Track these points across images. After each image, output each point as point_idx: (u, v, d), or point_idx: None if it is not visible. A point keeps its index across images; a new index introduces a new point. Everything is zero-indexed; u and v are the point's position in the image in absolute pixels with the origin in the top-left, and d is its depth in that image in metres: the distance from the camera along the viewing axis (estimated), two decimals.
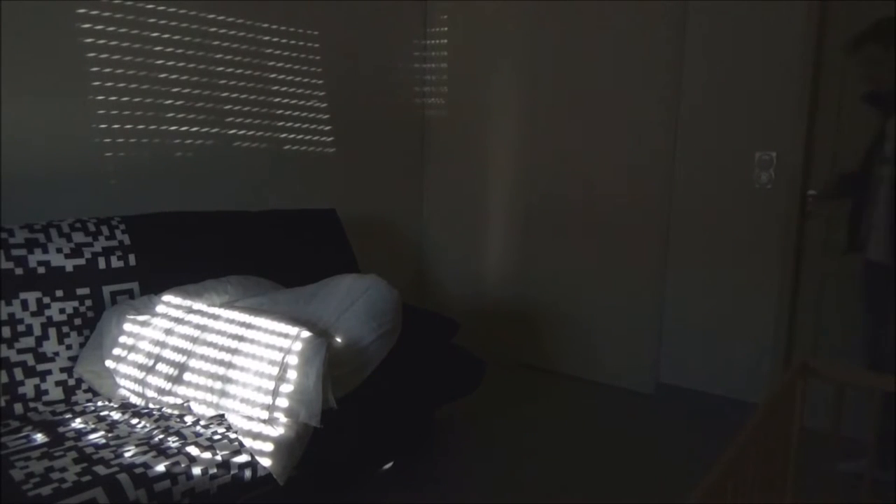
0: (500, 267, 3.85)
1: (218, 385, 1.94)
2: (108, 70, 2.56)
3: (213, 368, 1.97)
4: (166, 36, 2.72)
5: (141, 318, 2.15)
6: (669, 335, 3.28)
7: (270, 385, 1.88)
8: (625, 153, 3.31)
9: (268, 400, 1.87)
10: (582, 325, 3.55)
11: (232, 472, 1.75)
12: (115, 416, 1.96)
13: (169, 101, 2.78)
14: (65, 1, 2.41)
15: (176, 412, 2.00)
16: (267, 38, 3.09)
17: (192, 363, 2.00)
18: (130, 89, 2.64)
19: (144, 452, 1.71)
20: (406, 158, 3.96)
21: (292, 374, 1.89)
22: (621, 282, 3.38)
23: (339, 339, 2.09)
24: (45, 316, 2.09)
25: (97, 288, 2.23)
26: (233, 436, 1.86)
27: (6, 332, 2.00)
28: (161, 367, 2.03)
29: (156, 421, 1.93)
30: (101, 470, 1.60)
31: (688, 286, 3.20)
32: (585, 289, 3.51)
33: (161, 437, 1.82)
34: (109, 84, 2.58)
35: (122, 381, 2.07)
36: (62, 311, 2.13)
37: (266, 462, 1.79)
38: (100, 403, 2.06)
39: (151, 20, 2.67)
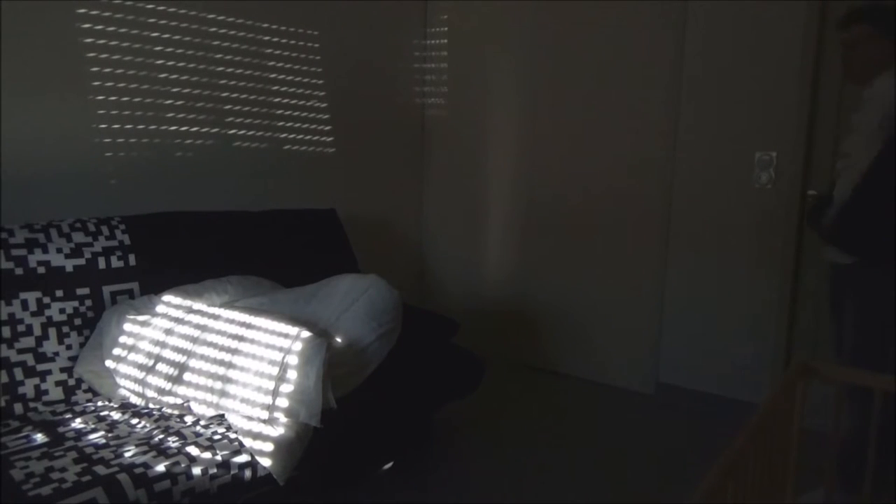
0: (500, 267, 3.85)
1: (218, 385, 1.94)
2: (108, 70, 2.56)
3: (213, 368, 1.97)
4: (166, 36, 2.72)
5: (141, 318, 2.15)
6: (669, 335, 3.28)
7: (270, 385, 1.88)
8: (625, 153, 3.31)
9: (268, 400, 1.87)
10: (582, 325, 3.55)
11: (232, 472, 1.75)
12: (115, 416, 1.96)
13: (169, 101, 2.78)
14: (65, 1, 2.41)
15: (176, 412, 2.00)
16: (267, 38, 3.09)
17: (192, 363, 2.00)
18: (130, 89, 2.64)
19: (144, 452, 1.71)
20: (406, 158, 3.96)
21: (292, 374, 1.89)
22: (621, 282, 3.38)
23: (339, 339, 2.09)
24: (45, 316, 2.09)
25: (97, 288, 2.23)
26: (233, 436, 1.86)
27: (6, 332, 2.00)
28: (161, 367, 2.03)
29: (156, 421, 1.93)
30: (101, 470, 1.60)
31: (688, 286, 3.20)
32: (585, 289, 3.51)
33: (161, 437, 1.82)
34: (109, 84, 2.58)
35: (122, 381, 2.07)
36: (62, 311, 2.13)
37: (266, 462, 1.79)
38: (100, 403, 2.06)
39: (151, 20, 2.67)
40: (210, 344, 2.02)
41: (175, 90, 2.79)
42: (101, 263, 2.26)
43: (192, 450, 1.75)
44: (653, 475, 2.53)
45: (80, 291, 2.19)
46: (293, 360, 1.91)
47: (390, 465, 2.54)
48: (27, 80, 2.35)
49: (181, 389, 1.98)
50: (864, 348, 2.09)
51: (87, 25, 2.48)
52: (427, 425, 2.79)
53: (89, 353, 2.12)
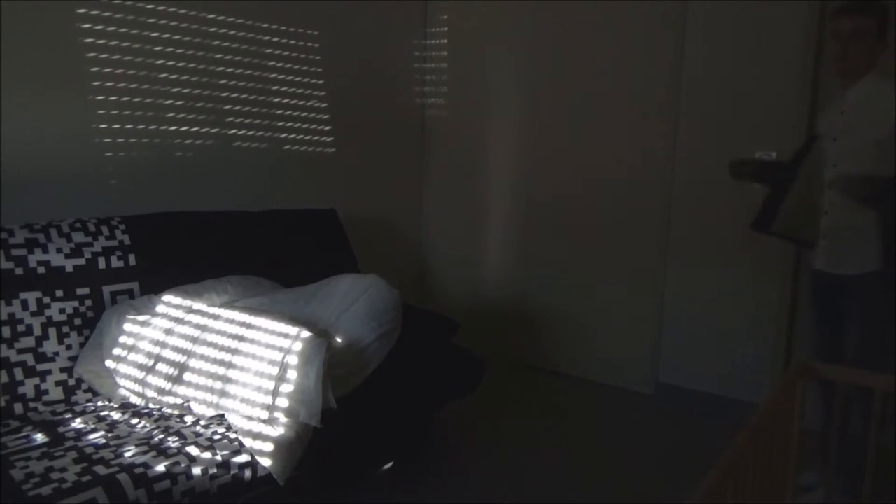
0: (500, 267, 3.85)
1: (218, 385, 1.94)
2: (108, 70, 2.56)
3: (213, 368, 1.97)
4: (166, 36, 2.72)
5: (141, 318, 2.15)
6: (669, 335, 3.28)
7: (270, 385, 1.88)
8: (625, 153, 3.31)
9: (268, 400, 1.87)
10: (582, 325, 3.55)
11: (232, 472, 1.75)
12: (115, 416, 1.96)
13: (169, 101, 2.77)
14: (65, 1, 2.41)
15: (176, 412, 2.00)
16: (267, 38, 3.09)
17: (192, 363, 2.00)
18: (130, 89, 2.64)
19: (144, 452, 1.71)
20: (406, 158, 3.96)
21: (292, 374, 1.89)
22: (621, 282, 3.38)
23: (339, 339, 2.09)
24: (45, 316, 2.09)
25: (97, 288, 2.23)
26: (233, 436, 1.86)
27: (6, 332, 2.00)
28: (161, 367, 2.03)
29: (156, 421, 1.93)
30: (101, 470, 1.60)
31: (688, 286, 3.20)
32: (585, 288, 3.51)
33: (161, 437, 1.82)
34: (109, 84, 2.58)
35: (122, 381, 2.07)
36: (62, 311, 2.13)
37: (266, 462, 1.79)
38: (100, 403, 2.06)
39: (151, 20, 2.67)
40: (210, 344, 2.02)
41: (175, 90, 2.79)
42: (101, 263, 2.26)
43: (192, 450, 1.75)
44: (653, 475, 2.53)
45: (80, 291, 2.19)
46: (293, 360, 1.91)
47: (390, 465, 2.54)
48: (27, 80, 2.35)
49: (181, 389, 1.98)
50: (871, 354, 2.08)
51: (87, 25, 2.48)
52: (427, 425, 2.79)
53: (89, 353, 2.12)
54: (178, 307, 2.19)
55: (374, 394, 2.17)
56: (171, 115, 2.79)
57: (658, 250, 3.26)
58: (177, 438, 1.81)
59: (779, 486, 1.69)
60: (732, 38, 2.96)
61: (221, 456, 1.76)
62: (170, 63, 2.75)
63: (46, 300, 2.10)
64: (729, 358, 3.11)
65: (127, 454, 1.69)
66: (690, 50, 3.08)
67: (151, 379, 2.02)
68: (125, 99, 2.63)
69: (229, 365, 1.96)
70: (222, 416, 1.96)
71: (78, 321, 2.16)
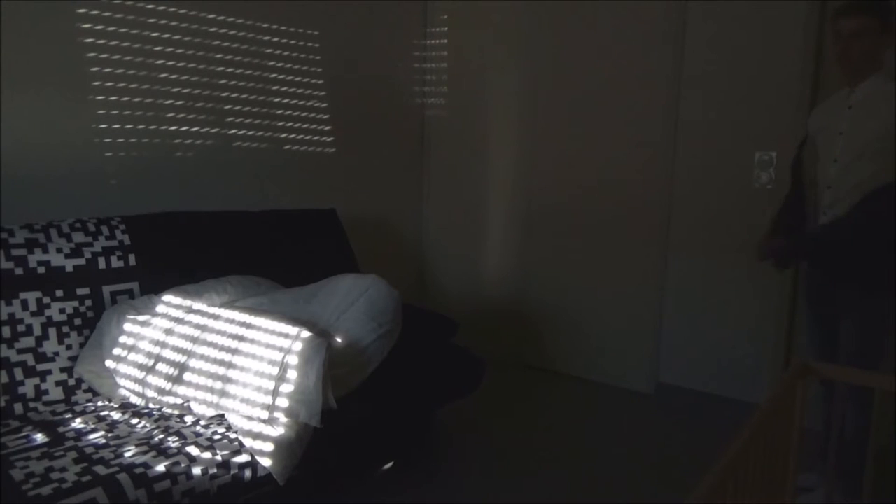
0: (500, 267, 3.85)
1: (218, 385, 1.94)
2: (108, 70, 2.56)
3: (214, 368, 1.97)
4: (166, 36, 2.72)
5: (141, 318, 2.15)
6: (669, 335, 3.28)
7: (270, 385, 1.88)
8: (625, 153, 3.31)
9: (268, 400, 1.87)
10: (582, 325, 3.55)
11: (232, 472, 1.75)
12: (115, 416, 1.96)
13: (169, 101, 2.78)
14: (65, 1, 2.41)
15: (176, 412, 2.00)
16: (267, 38, 3.09)
17: (192, 363, 2.00)
18: (130, 89, 2.64)
19: (144, 452, 1.71)
20: (406, 159, 3.96)
21: (292, 374, 1.89)
22: (621, 282, 3.38)
23: (339, 339, 2.09)
24: (45, 316, 2.09)
25: (97, 288, 2.23)
26: (233, 436, 1.86)
27: (6, 332, 2.00)
28: (161, 367, 2.03)
29: (156, 421, 1.93)
30: (101, 470, 1.60)
31: (688, 286, 3.20)
32: (585, 289, 3.51)
33: (161, 437, 1.82)
34: (109, 84, 2.58)
35: (122, 381, 2.07)
36: (62, 311, 2.13)
37: (266, 462, 1.79)
38: (100, 403, 2.06)
39: (151, 20, 2.67)
40: (210, 344, 2.02)
41: (175, 90, 2.79)
42: (101, 263, 2.26)
43: (192, 450, 1.75)
44: (653, 475, 2.53)
45: (80, 291, 2.19)
46: (293, 360, 1.91)
47: (390, 465, 2.54)
48: (27, 80, 2.35)
49: (181, 389, 1.98)
50: (864, 353, 2.08)
51: (87, 25, 2.48)
52: (427, 425, 2.79)
53: (89, 353, 2.12)
54: (178, 307, 2.19)
55: (374, 394, 2.17)
56: (171, 115, 2.79)
57: (658, 250, 3.26)
58: (177, 438, 1.81)
59: (779, 486, 1.69)
60: (732, 38, 2.96)
61: (221, 456, 1.76)
62: (170, 63, 2.75)
63: (46, 300, 2.10)
64: (729, 358, 3.11)
65: (127, 454, 1.69)
66: (690, 50, 3.08)
67: (151, 379, 2.02)
68: (125, 99, 2.63)
69: (229, 365, 1.96)
70: (222, 416, 1.96)
71: (78, 321, 2.16)
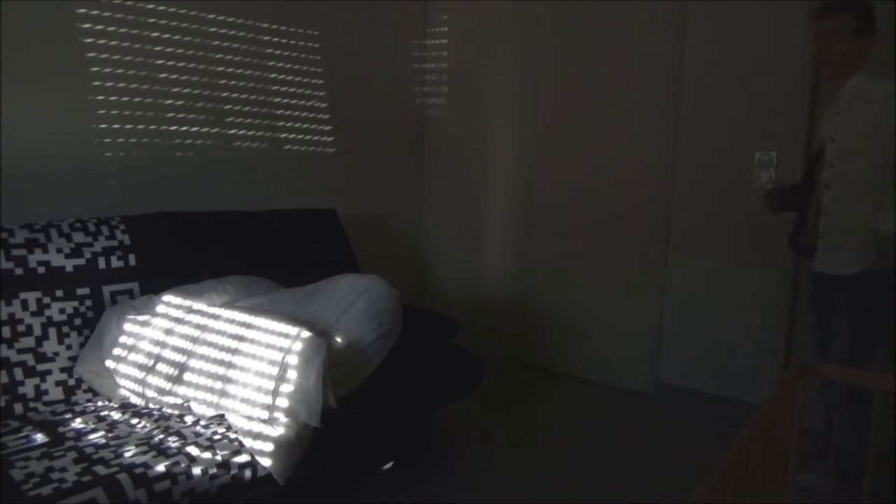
0: (500, 267, 3.85)
1: (218, 385, 1.94)
2: (108, 70, 2.56)
3: (214, 368, 1.97)
4: (166, 36, 2.72)
5: (141, 318, 2.15)
6: (669, 335, 3.28)
7: (270, 385, 1.88)
8: (625, 153, 3.31)
9: (268, 400, 1.87)
10: (582, 325, 3.55)
11: (232, 472, 1.75)
12: (115, 416, 1.96)
13: (169, 101, 2.78)
14: (65, 1, 2.41)
15: (176, 412, 2.00)
16: (267, 38, 3.09)
17: (193, 363, 2.00)
18: (130, 89, 2.64)
19: (144, 452, 1.71)
20: (406, 158, 3.96)
21: (292, 374, 1.89)
22: (621, 282, 3.38)
23: (339, 339, 2.09)
24: (45, 316, 2.09)
25: (97, 288, 2.23)
26: (233, 436, 1.86)
27: (6, 332, 2.00)
28: (161, 367, 2.03)
29: (156, 421, 1.93)
30: (101, 470, 1.60)
31: (688, 286, 3.20)
32: (585, 289, 3.51)
33: (161, 437, 1.82)
34: (109, 84, 2.58)
35: (122, 381, 2.07)
36: (62, 311, 2.13)
37: (266, 462, 1.79)
38: (100, 403, 2.06)
39: (151, 20, 2.67)
40: (210, 344, 2.02)
41: (175, 90, 2.79)
42: (101, 263, 2.26)
43: (192, 450, 1.75)
44: (653, 475, 2.53)
45: (80, 291, 2.19)
46: (293, 360, 1.91)
47: (390, 465, 2.54)
48: (27, 79, 2.35)
49: (181, 389, 1.98)
50: (857, 352, 2.08)
51: (87, 25, 2.48)
52: (427, 425, 2.80)
53: (89, 353, 2.12)
54: (178, 307, 2.20)
55: (374, 394, 2.17)
56: (171, 115, 2.79)
57: (658, 250, 3.26)
58: (177, 438, 1.81)
59: (779, 486, 1.69)
60: (732, 38, 2.96)
61: (221, 456, 1.76)
62: (170, 63, 2.75)
63: (46, 300, 2.10)
64: (729, 358, 3.11)
65: (127, 454, 1.69)
66: (690, 50, 3.08)
67: (151, 379, 2.02)
68: (125, 99, 2.63)
69: (229, 365, 1.96)
70: (222, 416, 1.96)
71: (78, 321, 2.16)
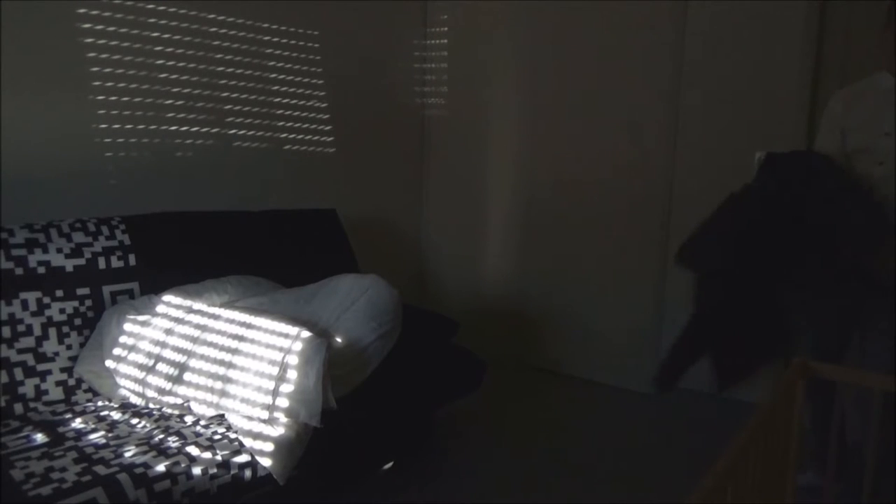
0: (500, 267, 3.85)
1: (218, 385, 1.94)
2: (108, 70, 2.56)
3: (214, 368, 1.97)
4: (166, 36, 2.72)
5: (141, 318, 2.15)
6: (669, 335, 3.27)
7: (270, 385, 1.88)
8: (625, 153, 3.30)
9: (268, 400, 1.87)
10: (582, 325, 3.55)
11: (232, 472, 1.75)
12: (115, 416, 1.96)
13: (169, 101, 2.77)
14: (65, 1, 2.41)
15: (176, 412, 2.00)
16: (267, 38, 3.09)
17: (193, 363, 2.00)
18: (130, 89, 2.64)
19: (144, 452, 1.71)
20: (406, 159, 3.96)
21: (292, 374, 1.89)
22: (621, 282, 3.38)
23: (339, 339, 2.09)
24: (45, 316, 2.09)
25: (97, 288, 2.23)
26: (233, 436, 1.86)
27: (6, 332, 2.00)
28: (161, 367, 2.03)
29: (156, 421, 1.93)
30: (101, 470, 1.60)
31: (688, 286, 3.19)
32: (585, 289, 3.51)
33: (161, 437, 1.82)
34: (109, 84, 2.58)
35: (122, 381, 2.07)
36: (62, 311, 2.13)
37: (266, 462, 1.79)
38: (100, 403, 2.06)
39: (151, 20, 2.67)
40: (210, 344, 2.02)
41: (175, 90, 2.79)
42: (101, 263, 2.26)
43: (192, 450, 1.75)
44: (653, 475, 2.53)
45: (80, 291, 2.19)
46: (293, 360, 1.91)
47: (390, 465, 2.54)
48: (27, 79, 2.35)
49: (181, 389, 1.98)
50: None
51: (87, 25, 2.48)
52: (428, 425, 2.79)
53: (89, 353, 2.12)
54: (178, 307, 2.20)
55: (374, 394, 2.17)
56: (171, 115, 2.79)
57: (658, 250, 3.26)
58: (177, 438, 1.81)
59: (779, 486, 1.69)
60: (732, 38, 2.96)
61: (221, 456, 1.76)
62: (170, 63, 2.75)
63: (46, 300, 2.10)
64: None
65: (127, 454, 1.69)
66: (690, 50, 3.08)
67: (151, 379, 2.02)
68: (125, 99, 2.63)
69: (229, 365, 1.96)
70: (222, 416, 1.96)
71: (78, 321, 2.16)
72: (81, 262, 2.21)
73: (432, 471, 2.53)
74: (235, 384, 1.92)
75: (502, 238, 3.82)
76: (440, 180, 4.01)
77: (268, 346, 1.96)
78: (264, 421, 1.88)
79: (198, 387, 1.96)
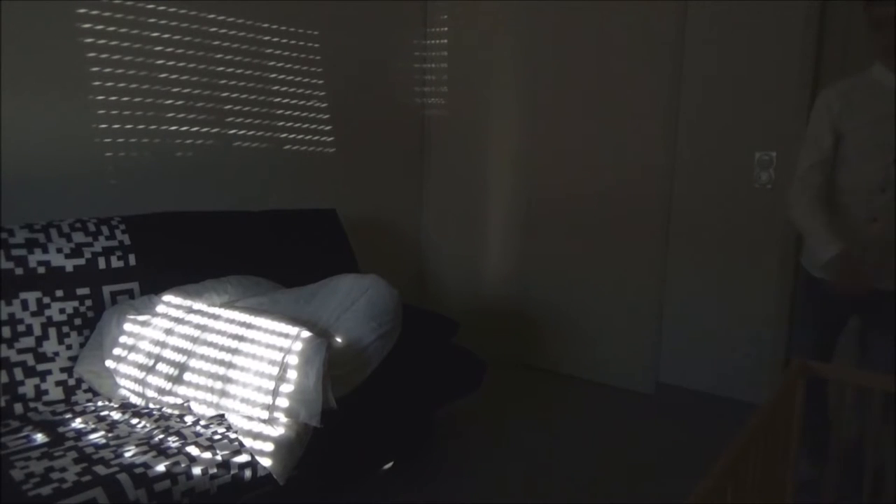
0: (500, 267, 3.85)
1: (218, 385, 1.94)
2: (108, 70, 2.56)
3: (214, 368, 1.97)
4: (166, 36, 2.72)
5: (141, 318, 2.15)
6: (669, 335, 3.28)
7: (270, 385, 1.88)
8: (625, 153, 3.31)
9: (268, 400, 1.87)
10: (582, 325, 3.55)
11: (232, 472, 1.75)
12: (115, 416, 1.96)
13: (169, 101, 2.77)
14: (65, 1, 2.41)
15: (176, 412, 2.00)
16: (267, 38, 3.09)
17: (193, 363, 2.00)
18: (130, 89, 2.64)
19: (144, 452, 1.71)
20: (406, 158, 3.96)
21: (292, 374, 1.89)
22: (621, 282, 3.38)
23: (339, 339, 2.09)
24: (45, 316, 2.09)
25: (97, 288, 2.23)
26: (233, 436, 1.86)
27: (6, 332, 2.00)
28: (161, 367, 2.03)
29: (156, 421, 1.93)
30: (101, 470, 1.60)
31: (688, 286, 3.20)
32: (585, 289, 3.51)
33: (161, 437, 1.82)
34: (109, 84, 2.58)
35: (122, 381, 2.07)
36: (62, 311, 2.13)
37: (266, 462, 1.79)
38: (100, 403, 2.06)
39: (151, 20, 2.67)
40: (210, 344, 2.02)
41: (175, 90, 2.79)
42: (101, 263, 2.26)
43: (192, 450, 1.75)
44: (653, 475, 2.53)
45: (80, 291, 2.19)
46: (293, 360, 1.91)
47: (390, 465, 2.54)
48: (27, 80, 2.35)
49: (181, 389, 1.98)
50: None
51: (87, 25, 2.48)
52: (428, 425, 2.79)
53: (89, 353, 2.12)
54: (178, 307, 2.19)
55: (374, 394, 2.17)
56: (171, 115, 2.79)
57: (658, 250, 3.26)
58: (177, 438, 1.81)
59: (779, 486, 1.69)
60: (732, 38, 2.96)
61: (221, 456, 1.76)
62: (170, 63, 2.75)
63: (46, 300, 2.10)
64: (729, 358, 3.11)
65: (127, 454, 1.69)
66: (690, 50, 3.08)
67: (151, 379, 2.02)
68: (125, 99, 2.63)
69: (229, 365, 1.96)
70: (222, 416, 1.96)
71: (78, 321, 2.16)
72: (81, 262, 2.21)
73: (432, 471, 2.53)
74: (235, 384, 1.92)
75: (502, 238, 3.82)
76: (440, 180, 4.01)
77: (268, 346, 1.96)
78: (264, 421, 1.88)
79: (198, 387, 1.96)
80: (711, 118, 3.05)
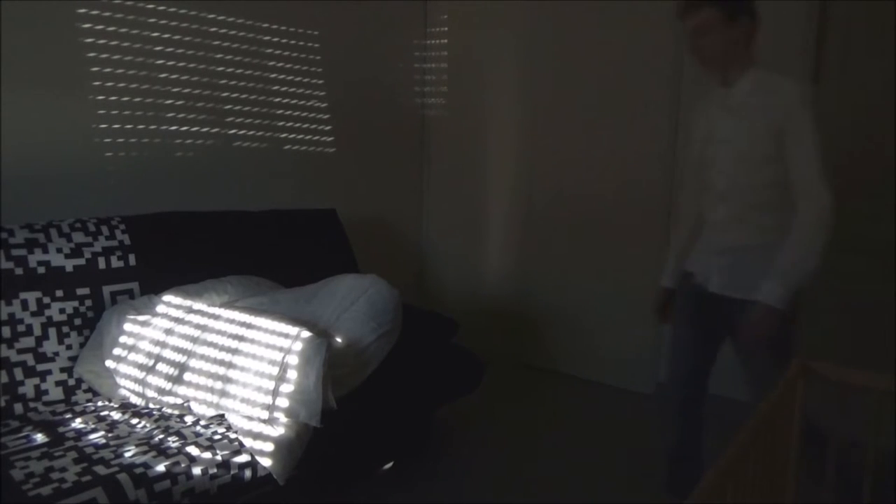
0: (500, 267, 3.85)
1: (218, 385, 1.94)
2: (108, 70, 2.56)
3: (214, 368, 1.97)
4: (166, 36, 2.72)
5: (141, 318, 2.15)
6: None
7: (270, 385, 1.88)
8: (625, 153, 3.30)
9: (268, 400, 1.87)
10: (582, 324, 3.55)
11: (232, 472, 1.75)
12: (115, 416, 1.96)
13: (169, 101, 2.78)
14: (65, 1, 2.41)
15: (176, 412, 2.00)
16: (267, 38, 3.09)
17: (193, 363, 2.00)
18: (130, 89, 2.64)
19: (144, 452, 1.71)
20: (406, 159, 3.96)
21: (292, 374, 1.89)
22: (621, 282, 3.38)
23: (339, 339, 2.09)
24: (45, 316, 2.09)
25: (97, 288, 2.23)
26: (233, 436, 1.86)
27: (6, 332, 2.00)
28: (161, 367, 2.03)
29: (156, 421, 1.93)
30: (101, 470, 1.60)
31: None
32: (585, 288, 3.51)
33: (161, 437, 1.82)
34: (109, 84, 2.58)
35: (122, 381, 2.07)
36: (62, 311, 2.13)
37: (266, 462, 1.79)
38: (100, 403, 2.06)
39: (151, 20, 2.67)
40: (210, 344, 2.02)
41: (175, 90, 2.79)
42: (101, 263, 2.26)
43: (192, 450, 1.75)
44: (652, 475, 2.53)
45: (80, 291, 2.19)
46: (293, 360, 1.91)
47: (390, 465, 2.54)
48: (27, 80, 2.35)
49: (181, 389, 1.98)
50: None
51: (87, 25, 2.48)
52: (427, 425, 2.79)
53: (89, 353, 2.12)
54: (178, 307, 2.20)
55: (374, 394, 2.18)
56: (171, 115, 2.79)
57: (658, 250, 3.26)
58: (177, 438, 1.81)
59: (779, 486, 1.69)
60: None
61: (221, 456, 1.76)
62: (170, 63, 2.75)
63: (46, 300, 2.10)
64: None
65: (127, 454, 1.69)
66: None
67: (151, 379, 2.02)
68: (125, 99, 2.63)
69: (229, 365, 1.96)
70: (222, 416, 1.96)
71: (78, 321, 2.16)
72: (81, 262, 2.21)
73: (432, 471, 2.53)
74: (235, 384, 1.92)
75: (502, 238, 3.82)
76: (440, 180, 4.01)
77: (268, 346, 1.96)
78: (264, 421, 1.88)
79: (198, 387, 1.96)
80: None
